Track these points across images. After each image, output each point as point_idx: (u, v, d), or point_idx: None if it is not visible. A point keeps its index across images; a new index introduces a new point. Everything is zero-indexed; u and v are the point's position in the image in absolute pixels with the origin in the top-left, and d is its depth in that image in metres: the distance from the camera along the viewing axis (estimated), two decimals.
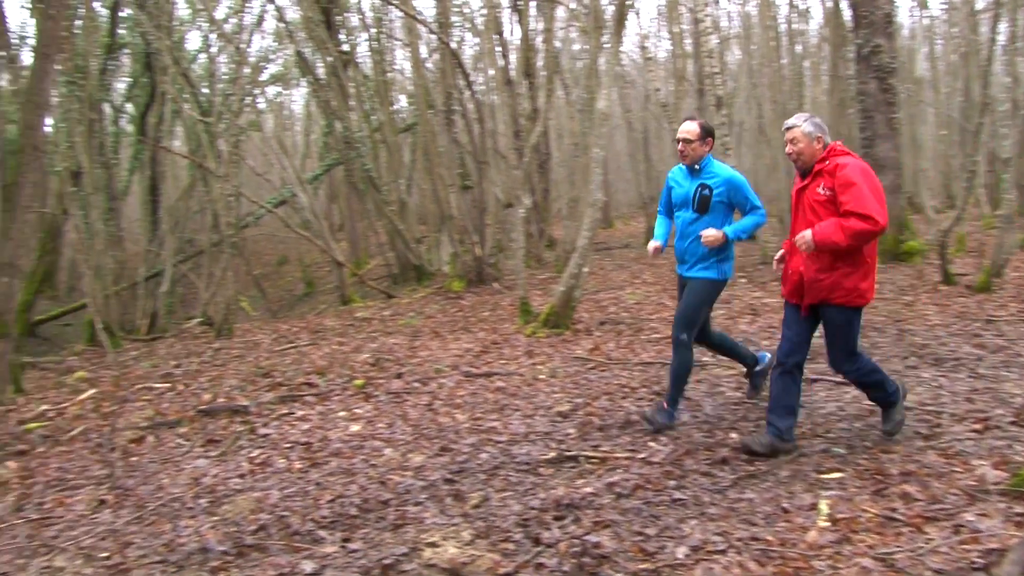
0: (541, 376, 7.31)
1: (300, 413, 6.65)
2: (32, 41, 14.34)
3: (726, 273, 5.52)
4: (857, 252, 4.60)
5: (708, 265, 5.45)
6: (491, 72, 19.39)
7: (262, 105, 25.70)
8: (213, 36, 18.97)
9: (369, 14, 18.65)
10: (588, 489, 4.51)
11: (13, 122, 11.57)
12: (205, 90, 17.92)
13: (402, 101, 24.72)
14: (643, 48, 21.54)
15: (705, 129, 5.45)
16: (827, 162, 4.65)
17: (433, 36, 15.72)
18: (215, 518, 4.58)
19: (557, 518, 4.20)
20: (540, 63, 17.98)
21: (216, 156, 13.24)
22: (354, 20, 18.38)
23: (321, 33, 15.43)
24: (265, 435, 6.11)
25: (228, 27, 18.35)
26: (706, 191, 5.41)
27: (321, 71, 16.50)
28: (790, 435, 4.82)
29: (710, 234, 5.32)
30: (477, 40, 21.09)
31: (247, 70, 17.64)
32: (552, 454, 5.14)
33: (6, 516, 4.96)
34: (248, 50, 18.48)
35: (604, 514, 4.18)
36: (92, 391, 8.06)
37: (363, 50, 23.45)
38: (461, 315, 11.31)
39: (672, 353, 5.53)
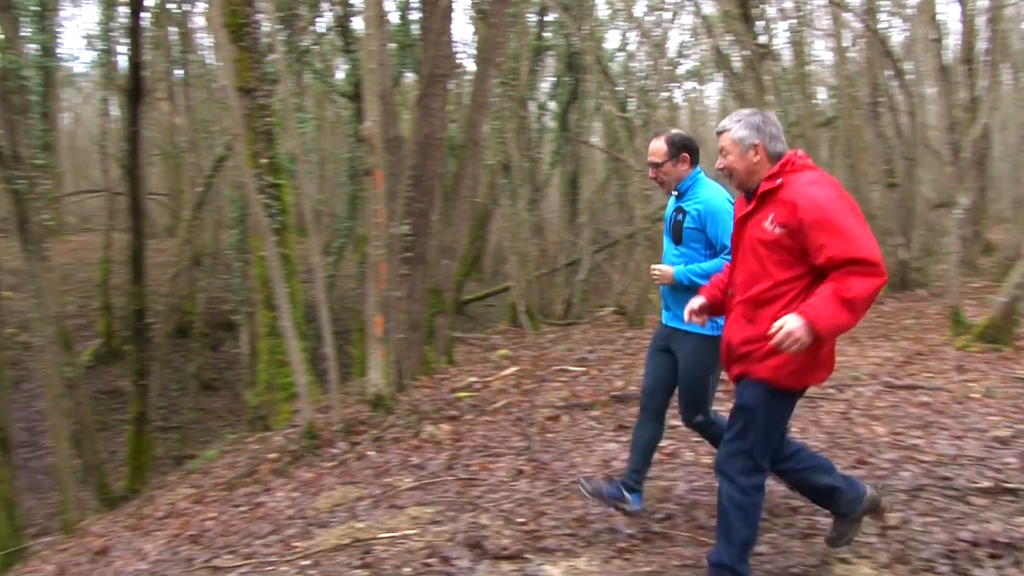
0: (974, 395, 6.54)
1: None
2: (474, 49, 15.79)
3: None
4: None
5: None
6: (923, 60, 17.84)
7: (678, 100, 26.03)
8: (631, 34, 19.58)
9: (788, 4, 18.07)
10: None
11: (453, 121, 12.87)
12: (622, 87, 18.56)
13: (821, 94, 23.65)
14: None
15: (675, 145, 4.22)
16: (778, 182, 3.27)
17: (858, 23, 14.80)
18: None
19: (992, 556, 3.69)
20: (983, 46, 16.16)
21: (633, 151, 13.63)
22: (772, 11, 17.91)
23: (738, 26, 15.20)
24: (674, 426, 6.13)
25: (647, 24, 18.81)
26: (680, 216, 4.24)
27: (737, 64, 16.30)
28: None
29: (657, 268, 4.25)
30: (907, 25, 19.51)
31: (664, 66, 17.93)
32: (986, 483, 4.55)
33: (439, 472, 5.51)
34: (665, 46, 18.79)
35: None
36: (513, 368, 8.68)
37: (781, 41, 22.80)
38: (881, 321, 10.54)
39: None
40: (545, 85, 21.66)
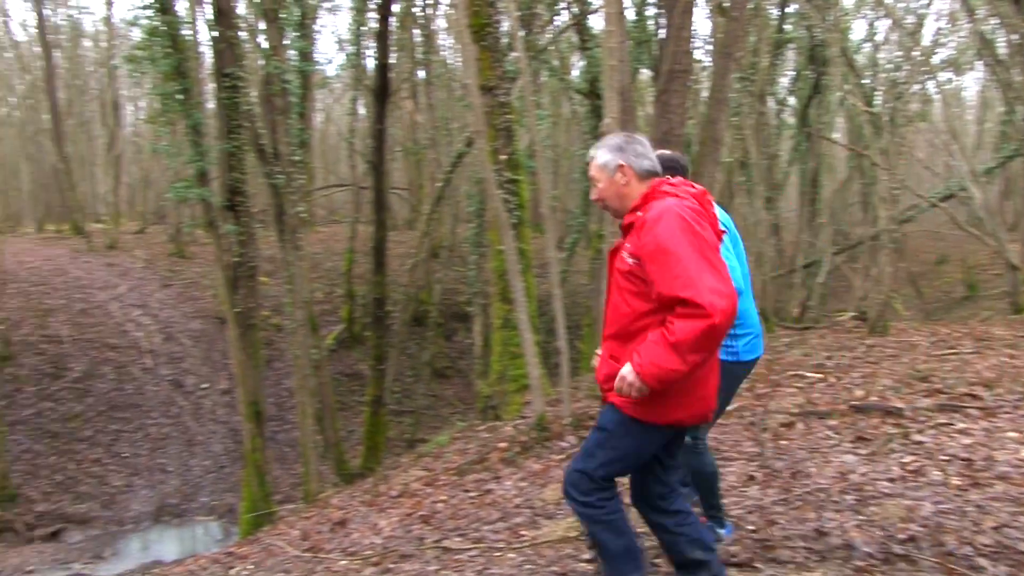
0: None
1: (960, 425, 6.09)
2: (713, 44, 15.48)
3: (739, 354, 3.93)
4: None
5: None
6: None
7: (932, 92, 24.30)
8: (880, 22, 18.49)
9: None
10: None
11: (690, 118, 12.68)
12: (869, 79, 17.57)
13: None
14: None
15: (660, 165, 3.60)
16: (639, 213, 3.06)
17: None
18: (861, 517, 4.43)
19: None
20: None
21: (880, 147, 12.87)
22: None
23: (1006, 8, 13.95)
24: (919, 442, 5.74)
25: (898, 10, 17.69)
26: None
27: (1003, 50, 14.99)
28: None
29: None
30: None
31: (917, 55, 16.79)
32: None
33: None
34: (919, 34, 17.58)
35: None
36: None
37: None
38: None
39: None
40: (785, 79, 20.93)
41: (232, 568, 7.12)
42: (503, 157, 8.02)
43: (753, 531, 4.32)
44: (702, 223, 3.07)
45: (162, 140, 17.36)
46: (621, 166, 3.22)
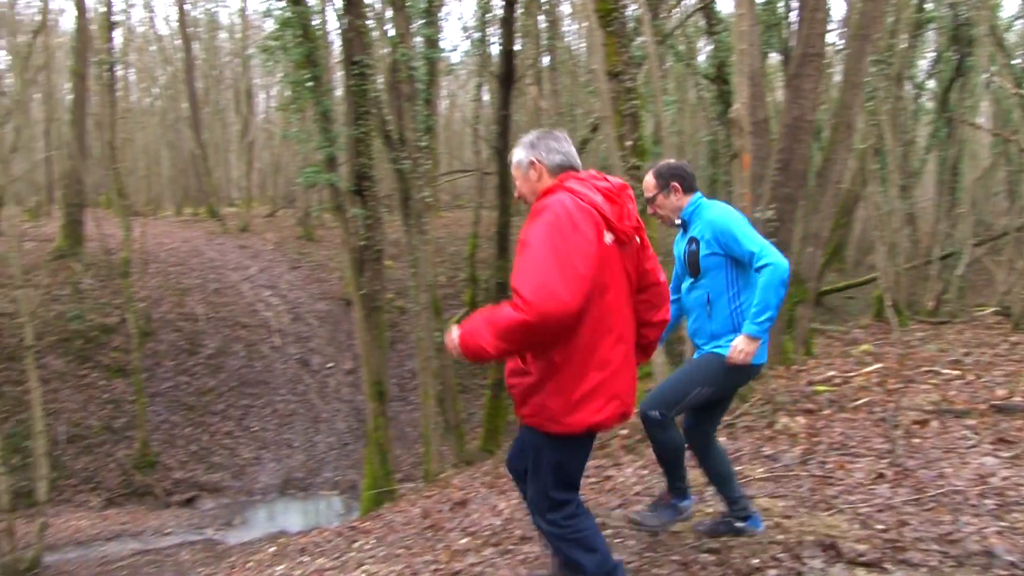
0: None
1: None
2: (847, 26, 14.92)
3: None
4: (547, 352, 3.08)
5: (721, 344, 3.97)
6: None
7: None
8: None
9: None
10: None
11: (823, 103, 12.25)
12: (1020, 59, 16.58)
13: None
14: None
15: (663, 176, 4.12)
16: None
17: None
18: (1002, 523, 4.21)
19: None
20: None
21: None
22: None
23: None
24: None
25: None
26: (693, 246, 4.02)
27: None
28: None
29: (735, 349, 3.85)
30: None
31: None
32: None
33: (793, 465, 5.32)
34: None
35: None
36: (877, 365, 8.13)
37: None
38: None
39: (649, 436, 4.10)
40: (924, 62, 19.98)
41: (355, 542, 7.33)
42: (629, 143, 7.92)
43: (882, 530, 4.18)
44: (584, 222, 3.07)
45: (293, 127, 17.95)
46: (532, 162, 3.31)
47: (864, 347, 9.44)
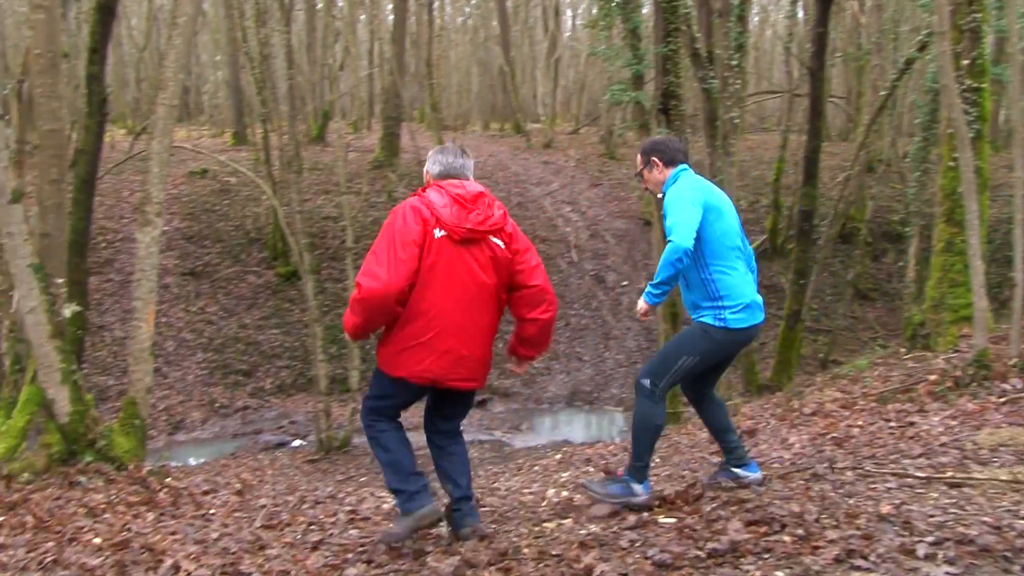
0: None
1: None
2: None
3: (726, 322, 4.18)
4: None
5: (703, 312, 4.25)
6: None
7: None
8: None
9: None
10: None
11: None
12: None
13: None
14: None
15: (645, 152, 4.51)
16: None
17: None
18: None
19: None
20: None
21: None
22: None
23: None
24: None
25: None
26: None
27: None
28: None
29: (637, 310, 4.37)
30: None
31: None
32: None
33: None
34: None
35: None
36: None
37: None
38: None
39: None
40: None
41: None
42: (966, 62, 7.16)
43: None
44: (412, 218, 3.88)
45: (600, 44, 17.98)
46: (426, 171, 4.24)
47: None
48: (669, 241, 4.05)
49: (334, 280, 18.64)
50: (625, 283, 19.88)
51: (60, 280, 6.13)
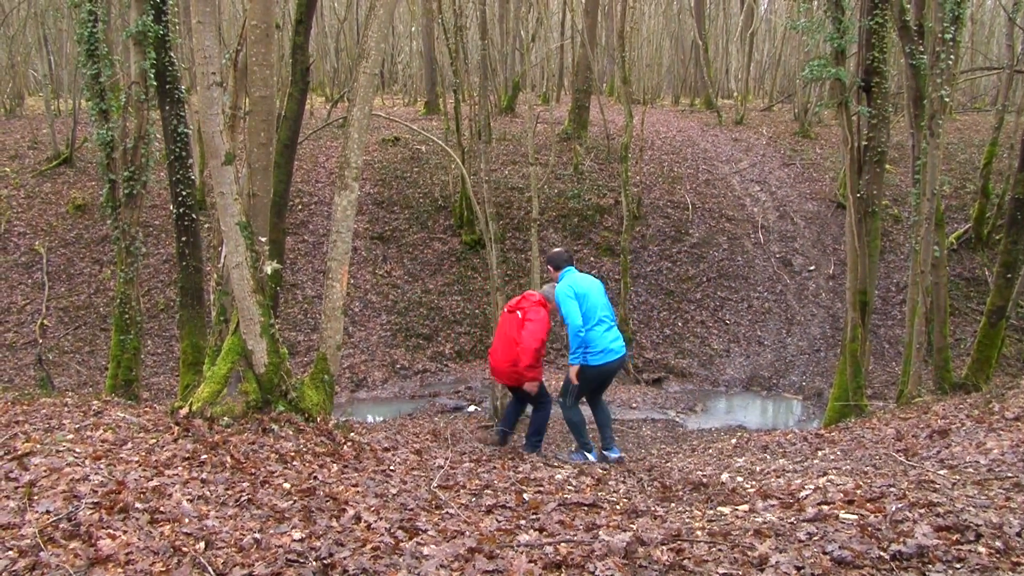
0: None
1: None
2: None
3: (587, 360, 7.38)
4: None
5: (576, 356, 7.44)
6: None
7: None
8: None
9: None
10: None
11: None
12: None
13: None
14: None
15: (546, 262, 7.98)
16: None
17: None
18: None
19: None
20: None
21: None
22: None
23: None
24: None
25: None
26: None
27: None
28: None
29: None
30: None
31: None
32: None
33: None
34: None
35: None
36: None
37: None
38: None
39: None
40: None
41: (820, 449, 7.19)
42: None
43: None
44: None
45: (800, 17, 17.22)
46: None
47: None
48: (567, 325, 7.32)
49: (517, 250, 18.93)
50: (812, 268, 19.12)
51: (264, 239, 6.50)
